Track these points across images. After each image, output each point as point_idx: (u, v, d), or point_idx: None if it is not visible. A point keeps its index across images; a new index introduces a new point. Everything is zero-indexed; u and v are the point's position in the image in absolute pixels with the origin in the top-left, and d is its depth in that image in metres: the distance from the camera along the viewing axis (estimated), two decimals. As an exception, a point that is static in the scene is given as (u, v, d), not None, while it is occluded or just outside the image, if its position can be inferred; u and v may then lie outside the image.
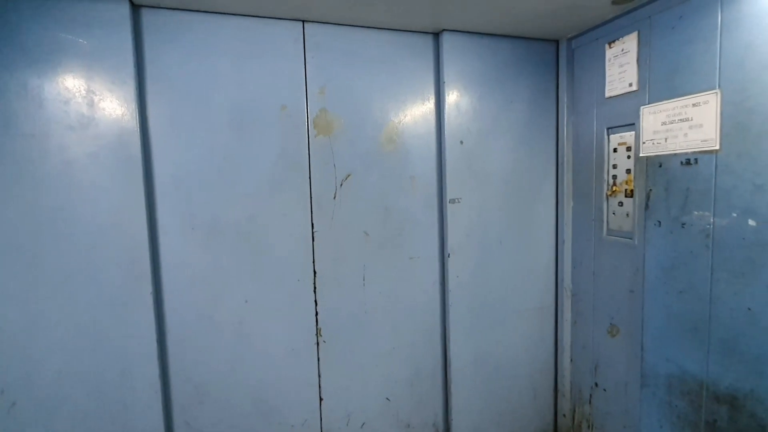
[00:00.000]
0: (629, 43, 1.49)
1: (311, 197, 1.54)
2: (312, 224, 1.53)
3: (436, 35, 1.65)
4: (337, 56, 1.56)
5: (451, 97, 1.66)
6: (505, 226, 1.79)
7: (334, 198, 1.57)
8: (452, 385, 1.73)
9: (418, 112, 1.68)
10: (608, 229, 1.65)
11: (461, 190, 1.70)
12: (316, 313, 1.55)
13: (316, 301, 1.54)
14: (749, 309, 1.18)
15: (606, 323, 1.66)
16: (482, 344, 1.77)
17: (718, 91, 1.22)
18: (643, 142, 1.45)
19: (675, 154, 1.35)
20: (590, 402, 1.76)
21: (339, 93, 1.57)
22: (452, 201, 1.68)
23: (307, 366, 1.55)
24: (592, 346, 1.75)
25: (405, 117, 1.66)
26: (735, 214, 1.20)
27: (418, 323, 1.73)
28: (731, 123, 1.19)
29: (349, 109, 1.59)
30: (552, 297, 1.88)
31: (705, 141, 1.26)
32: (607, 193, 1.63)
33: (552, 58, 1.80)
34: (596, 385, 1.72)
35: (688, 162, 1.32)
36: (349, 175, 1.57)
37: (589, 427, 1.76)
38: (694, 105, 1.29)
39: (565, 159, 1.80)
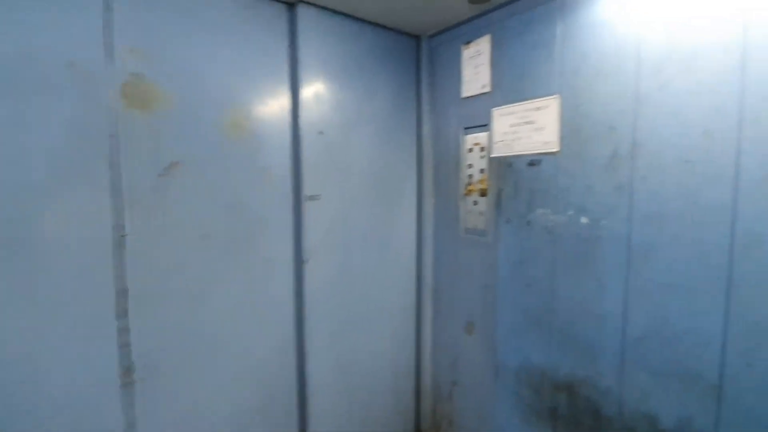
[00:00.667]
0: (483, 45, 1.48)
1: (121, 190, 1.12)
2: (122, 226, 1.13)
3: (292, 6, 1.40)
4: (162, 9, 1.17)
5: (309, 82, 1.42)
6: (368, 224, 1.63)
7: (157, 192, 1.19)
8: (311, 401, 1.49)
9: (271, 94, 1.38)
10: (465, 227, 1.63)
11: (321, 185, 1.48)
12: (128, 344, 1.14)
13: (127, 327, 1.14)
14: (582, 300, 1.23)
15: (464, 320, 1.64)
16: (344, 352, 1.58)
17: (557, 96, 1.26)
18: (495, 143, 1.45)
19: (522, 155, 1.37)
20: (450, 399, 1.73)
21: (165, 58, 1.17)
22: (311, 197, 1.45)
23: (111, 415, 1.12)
24: (451, 344, 1.72)
25: (256, 99, 1.35)
26: (571, 212, 1.25)
27: (272, 338, 1.44)
28: (569, 127, 1.24)
29: (179, 81, 1.20)
30: (414, 296, 1.80)
31: (546, 143, 1.30)
32: (463, 192, 1.61)
33: (414, 54, 1.72)
34: (455, 382, 1.70)
35: (532, 163, 1.35)
36: (176, 164, 1.20)
37: (449, 424, 1.73)
38: (537, 108, 1.32)
39: (425, 156, 1.73)
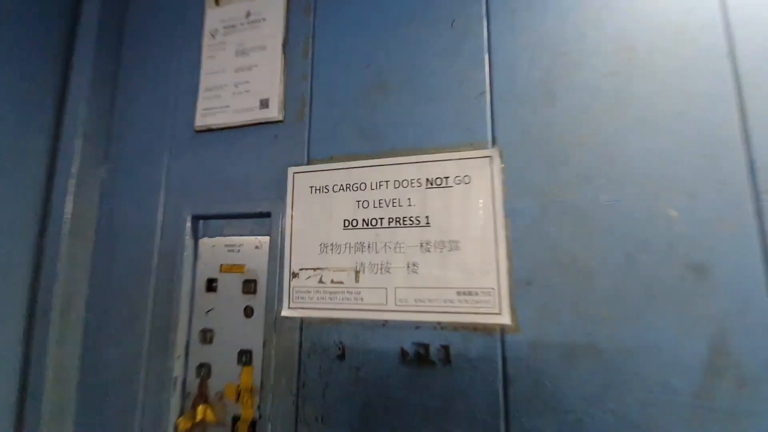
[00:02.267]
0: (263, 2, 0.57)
1: None
2: None
3: None
4: None
5: None
6: None
7: None
8: None
9: None
10: None
11: None
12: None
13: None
14: None
15: None
16: None
17: (495, 150, 0.42)
18: (294, 273, 0.48)
19: (375, 324, 0.43)
20: None
21: None
22: None
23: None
24: None
25: None
26: None
27: None
28: (544, 246, 0.38)
29: None
30: None
31: (477, 301, 0.39)
32: (177, 424, 0.53)
33: (66, 5, 0.64)
34: None
35: (423, 356, 0.41)
36: None
37: None
38: (432, 184, 0.45)
39: (57, 293, 0.54)
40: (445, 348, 0.39)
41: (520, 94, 0.41)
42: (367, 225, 0.43)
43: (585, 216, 0.37)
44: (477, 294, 0.39)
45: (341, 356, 0.42)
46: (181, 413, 0.48)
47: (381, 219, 0.43)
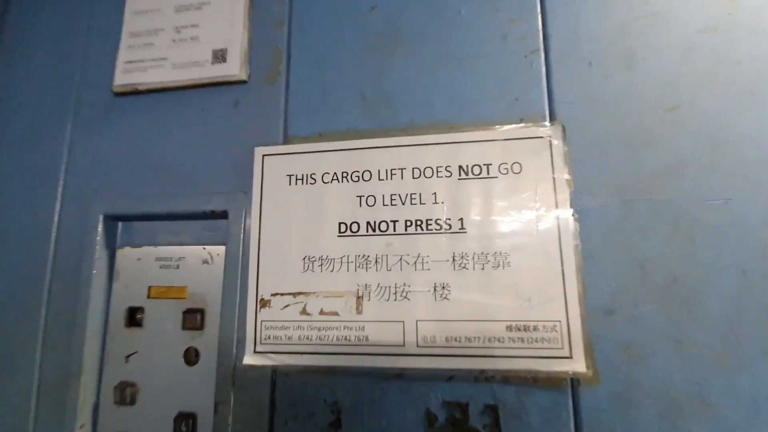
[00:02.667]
0: None
1: None
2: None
3: None
4: None
5: None
6: None
7: None
8: None
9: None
10: None
11: None
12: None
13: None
14: None
15: None
16: None
17: (557, 127, 0.33)
18: (264, 301, 0.35)
19: (387, 375, 0.30)
20: None
21: None
22: None
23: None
24: None
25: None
26: None
27: None
28: (616, 254, 0.27)
29: None
30: None
31: (526, 329, 0.30)
32: None
33: None
34: None
35: (457, 418, 0.30)
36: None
37: None
38: (468, 173, 0.33)
39: None
40: (493, 408, 0.27)
41: (586, 53, 0.30)
42: (374, 230, 0.30)
43: (683, 219, 0.27)
44: (536, 329, 0.27)
45: (336, 424, 0.29)
46: None
47: (394, 222, 0.30)
